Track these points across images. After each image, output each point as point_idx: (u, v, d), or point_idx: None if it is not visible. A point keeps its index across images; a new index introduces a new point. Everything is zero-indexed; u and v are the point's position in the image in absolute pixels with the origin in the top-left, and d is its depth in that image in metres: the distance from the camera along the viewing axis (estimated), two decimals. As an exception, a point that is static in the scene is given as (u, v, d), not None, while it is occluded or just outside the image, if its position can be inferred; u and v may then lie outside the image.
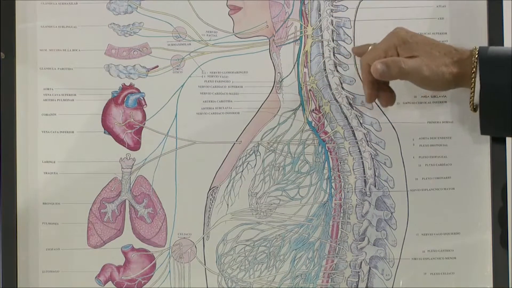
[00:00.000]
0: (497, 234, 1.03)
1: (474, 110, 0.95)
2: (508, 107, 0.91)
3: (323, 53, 1.06)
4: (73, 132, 1.06)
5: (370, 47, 0.99)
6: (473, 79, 0.93)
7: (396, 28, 0.97)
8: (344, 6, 1.07)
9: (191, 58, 1.07)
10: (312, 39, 1.07)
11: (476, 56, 0.93)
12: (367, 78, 0.97)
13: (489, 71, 0.92)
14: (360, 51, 1.03)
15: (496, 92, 0.92)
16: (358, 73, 1.06)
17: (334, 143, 1.06)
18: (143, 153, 1.06)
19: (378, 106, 1.06)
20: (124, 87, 1.07)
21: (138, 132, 1.07)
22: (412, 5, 1.05)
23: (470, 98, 0.94)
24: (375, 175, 1.06)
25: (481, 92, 0.92)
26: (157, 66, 1.07)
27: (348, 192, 1.06)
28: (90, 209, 1.06)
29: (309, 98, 1.06)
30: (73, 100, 1.07)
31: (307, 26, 1.07)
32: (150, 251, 1.07)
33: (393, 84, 1.01)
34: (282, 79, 1.07)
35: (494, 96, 0.92)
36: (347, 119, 1.06)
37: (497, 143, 1.04)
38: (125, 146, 1.07)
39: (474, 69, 0.93)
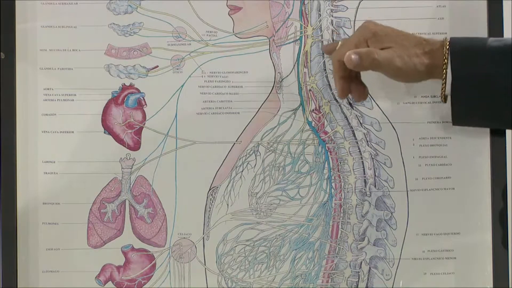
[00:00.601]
0: (497, 234, 1.03)
1: (445, 101, 0.95)
2: (479, 98, 0.91)
3: (323, 53, 1.06)
4: (73, 132, 1.06)
5: (340, 43, 0.98)
6: (444, 70, 0.92)
7: (364, 22, 0.95)
8: (344, 6, 1.07)
9: (191, 58, 1.07)
10: (312, 39, 1.07)
11: (447, 47, 0.92)
12: (339, 74, 0.96)
13: (460, 62, 0.91)
14: (329, 49, 1.02)
15: (467, 83, 0.91)
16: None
17: (334, 143, 1.06)
18: (143, 153, 1.06)
19: (378, 106, 1.06)
20: (124, 87, 1.07)
21: (138, 132, 1.07)
22: (412, 5, 1.05)
23: (442, 89, 0.94)
24: (375, 175, 1.06)
25: (452, 83, 0.91)
26: (157, 66, 1.07)
27: (348, 192, 1.06)
28: (90, 209, 1.06)
29: (309, 98, 1.06)
30: (73, 100, 1.07)
31: (307, 26, 1.07)
32: (150, 251, 1.07)
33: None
34: (282, 79, 1.06)
35: (466, 87, 0.91)
36: (347, 119, 1.06)
37: (497, 143, 1.04)
38: (125, 146, 1.07)
39: (445, 60, 0.92)
